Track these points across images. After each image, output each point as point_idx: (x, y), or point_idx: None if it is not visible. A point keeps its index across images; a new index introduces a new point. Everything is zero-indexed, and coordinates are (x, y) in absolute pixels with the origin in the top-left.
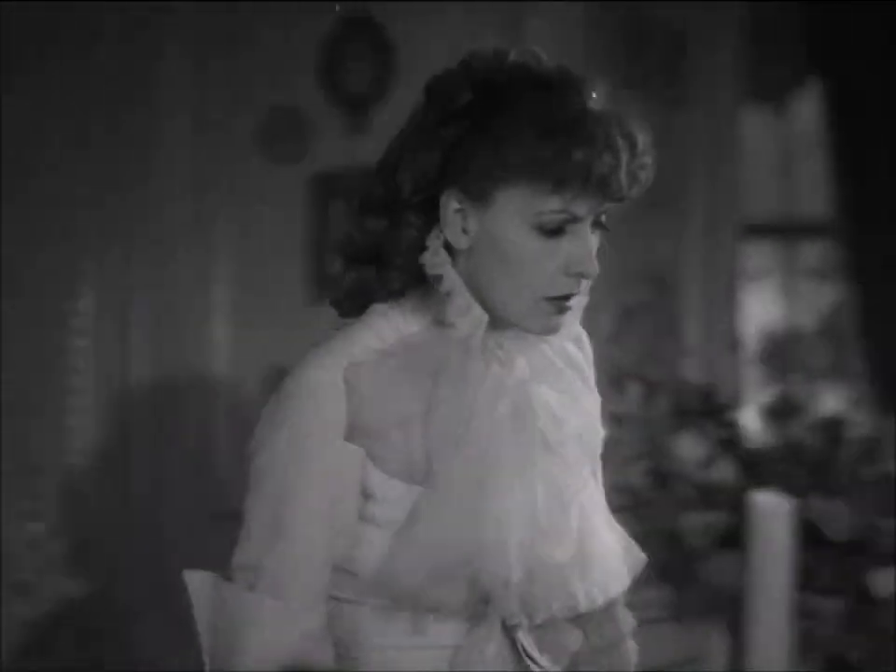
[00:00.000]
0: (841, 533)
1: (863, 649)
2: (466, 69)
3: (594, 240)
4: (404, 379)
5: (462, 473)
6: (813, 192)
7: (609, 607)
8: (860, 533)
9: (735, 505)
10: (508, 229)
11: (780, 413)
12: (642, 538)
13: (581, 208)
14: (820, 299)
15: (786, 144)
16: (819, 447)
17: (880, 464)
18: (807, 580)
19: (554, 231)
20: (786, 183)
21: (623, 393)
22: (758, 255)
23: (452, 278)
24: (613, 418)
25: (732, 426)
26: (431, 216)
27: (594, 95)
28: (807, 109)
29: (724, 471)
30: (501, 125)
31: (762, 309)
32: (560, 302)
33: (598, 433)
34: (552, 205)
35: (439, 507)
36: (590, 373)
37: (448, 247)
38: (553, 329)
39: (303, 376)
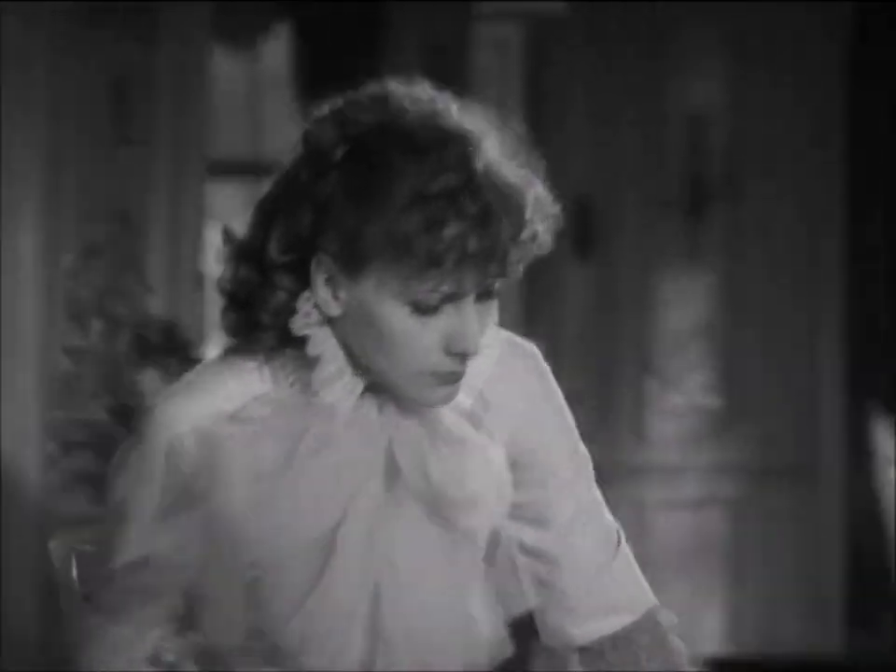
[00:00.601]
0: None
1: None
2: (340, 119)
3: (483, 310)
4: (261, 441)
5: (308, 550)
6: (280, 132)
7: (659, 630)
8: None
9: None
10: (379, 304)
11: None
12: None
13: (459, 286)
14: None
15: (254, 84)
16: None
17: None
18: None
19: (431, 309)
20: (253, 123)
21: (84, 329)
22: (225, 193)
23: (320, 342)
24: (72, 352)
25: (195, 361)
26: (304, 276)
27: (480, 155)
28: (276, 51)
29: None
30: (369, 191)
31: None
32: (444, 376)
33: (506, 494)
34: (425, 284)
35: (282, 585)
36: (540, 416)
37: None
38: (441, 402)
39: (158, 422)
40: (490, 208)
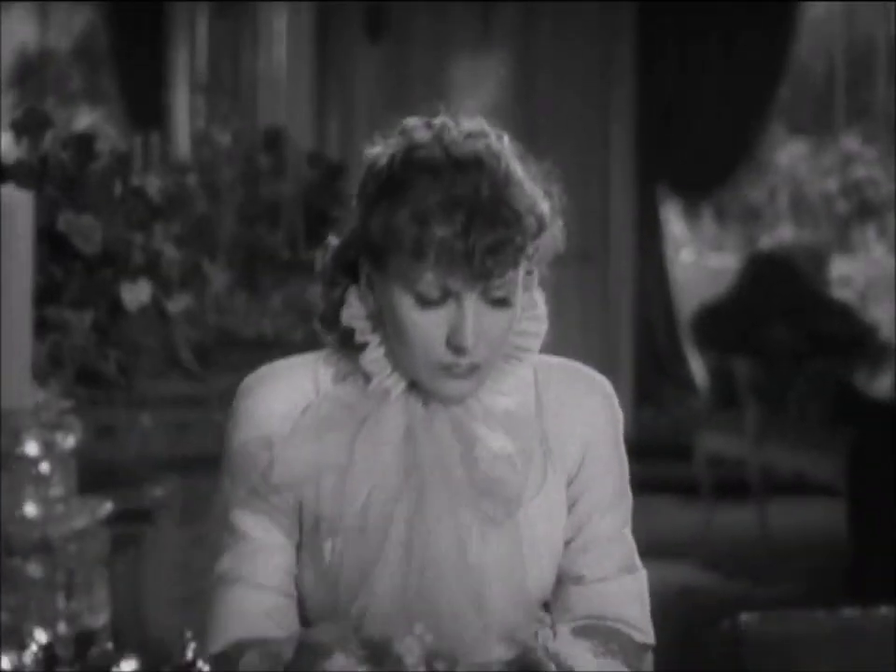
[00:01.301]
0: (92, 246)
1: (114, 360)
2: (403, 140)
3: (492, 314)
4: (326, 431)
5: (365, 531)
6: None
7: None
8: (111, 246)
9: None
10: (395, 297)
11: (30, 127)
12: None
13: (457, 283)
14: (73, 21)
15: None
16: (70, 162)
17: (130, 179)
18: (57, 293)
19: (435, 302)
20: None
21: None
22: None
23: (365, 332)
24: None
25: None
26: (357, 275)
27: (493, 183)
28: None
29: None
30: (386, 194)
31: (14, 30)
32: (451, 369)
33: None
34: (426, 278)
35: (342, 556)
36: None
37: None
38: (452, 397)
39: (252, 401)
40: (476, 220)
